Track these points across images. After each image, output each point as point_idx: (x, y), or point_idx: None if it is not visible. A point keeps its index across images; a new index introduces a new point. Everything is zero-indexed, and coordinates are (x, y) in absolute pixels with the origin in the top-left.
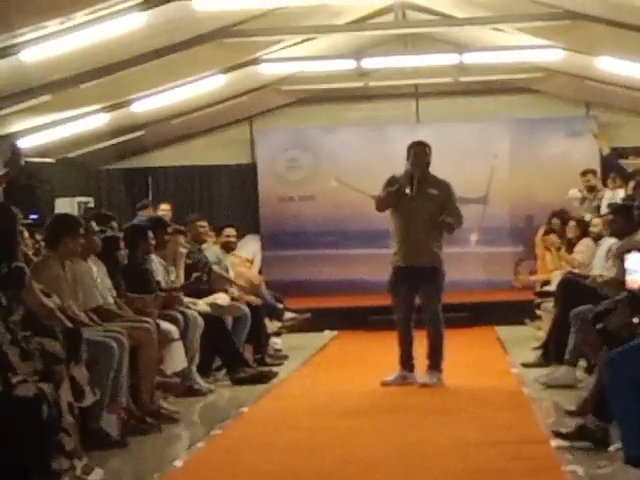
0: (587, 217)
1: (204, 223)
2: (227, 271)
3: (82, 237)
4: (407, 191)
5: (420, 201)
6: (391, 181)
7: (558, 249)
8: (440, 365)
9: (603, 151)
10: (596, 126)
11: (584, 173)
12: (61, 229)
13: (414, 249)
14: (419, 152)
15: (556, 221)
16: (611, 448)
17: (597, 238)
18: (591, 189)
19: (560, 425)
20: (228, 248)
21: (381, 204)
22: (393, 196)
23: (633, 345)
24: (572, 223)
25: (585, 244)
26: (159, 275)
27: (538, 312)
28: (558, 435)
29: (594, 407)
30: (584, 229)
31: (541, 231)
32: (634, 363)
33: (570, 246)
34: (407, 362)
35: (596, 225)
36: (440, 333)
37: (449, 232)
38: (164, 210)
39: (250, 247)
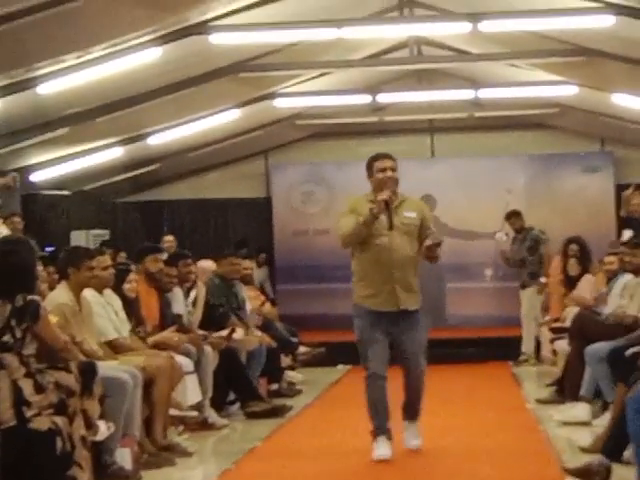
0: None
1: (239, 260)
2: (244, 303)
3: (92, 269)
4: (382, 217)
5: (397, 229)
6: (353, 208)
7: None
8: (419, 414)
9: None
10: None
11: (508, 217)
12: (67, 261)
13: (397, 290)
14: (390, 167)
15: (574, 247)
16: None
17: (612, 276)
18: (519, 230)
19: (575, 463)
20: (245, 281)
21: (351, 238)
22: (367, 226)
23: None
24: (572, 260)
25: (588, 280)
26: (181, 309)
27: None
28: (566, 471)
29: (605, 444)
30: (585, 266)
31: (555, 263)
32: None
33: (570, 283)
34: (386, 429)
35: (612, 263)
36: (423, 386)
37: (434, 262)
38: (168, 242)
39: (256, 275)
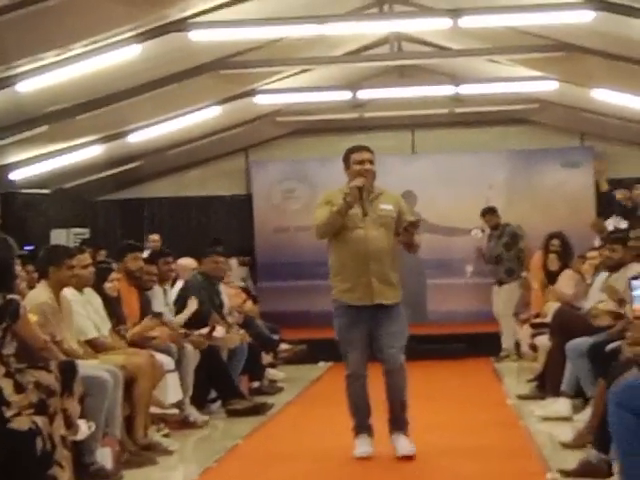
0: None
1: (222, 258)
2: (219, 296)
3: (72, 268)
4: (357, 210)
5: (373, 222)
6: (329, 200)
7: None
8: (408, 424)
9: (601, 187)
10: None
11: (483, 214)
12: (47, 260)
13: (374, 283)
14: (368, 159)
15: (556, 242)
16: None
17: (594, 271)
18: (494, 227)
19: (556, 458)
20: (218, 278)
21: (326, 228)
22: (342, 215)
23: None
24: (552, 256)
25: (568, 276)
26: (161, 307)
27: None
28: (562, 472)
29: (595, 439)
30: (565, 261)
31: (536, 257)
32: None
33: (550, 278)
34: (368, 426)
35: (594, 258)
36: (406, 384)
37: (413, 252)
38: (154, 241)
39: (238, 273)
